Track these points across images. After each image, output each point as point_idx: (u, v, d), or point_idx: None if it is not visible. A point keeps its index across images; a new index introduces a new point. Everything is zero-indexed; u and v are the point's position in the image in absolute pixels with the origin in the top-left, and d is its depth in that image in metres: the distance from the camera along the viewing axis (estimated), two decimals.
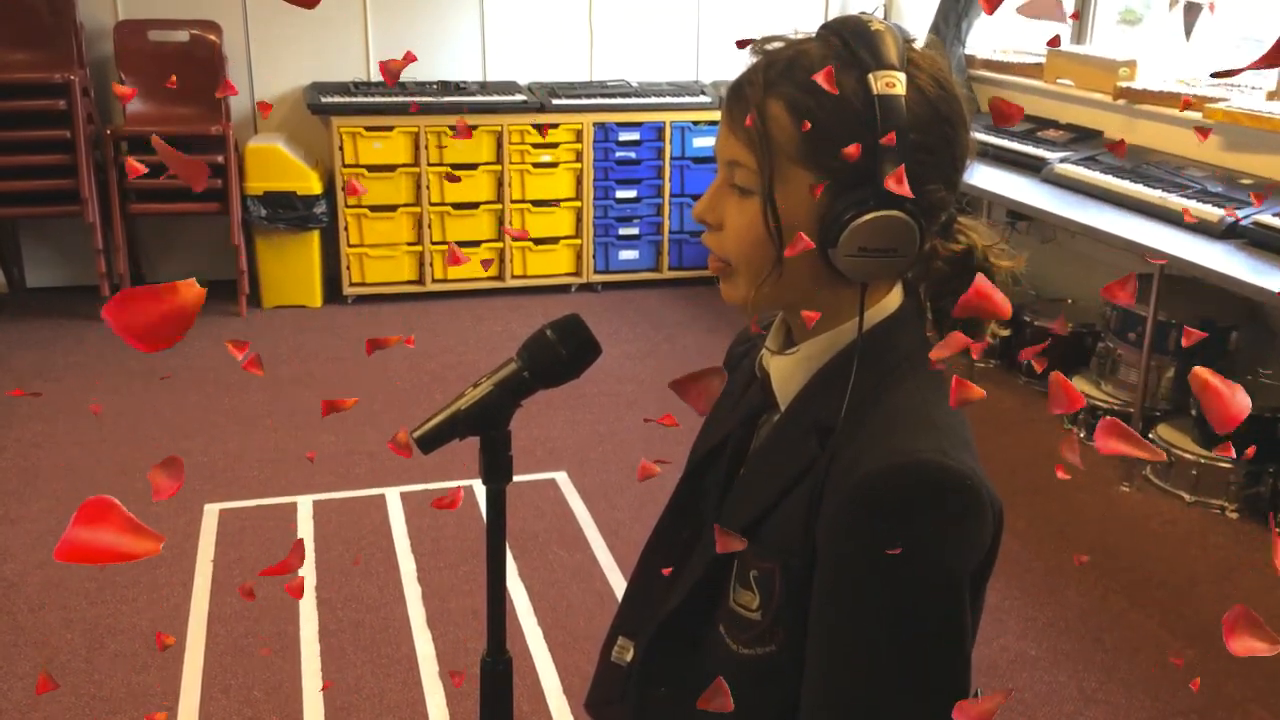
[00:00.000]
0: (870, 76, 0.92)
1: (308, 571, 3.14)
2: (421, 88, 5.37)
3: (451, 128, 5.25)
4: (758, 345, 1.11)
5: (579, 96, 5.46)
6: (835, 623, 0.93)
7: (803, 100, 0.93)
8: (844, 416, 0.95)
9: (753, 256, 0.98)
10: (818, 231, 0.95)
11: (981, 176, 4.34)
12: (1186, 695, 2.72)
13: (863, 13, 0.98)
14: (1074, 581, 3.18)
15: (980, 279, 0.72)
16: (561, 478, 3.72)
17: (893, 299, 1.01)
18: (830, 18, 1.00)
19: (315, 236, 5.26)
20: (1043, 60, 4.98)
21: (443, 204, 5.39)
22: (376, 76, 5.50)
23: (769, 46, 0.99)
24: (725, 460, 1.10)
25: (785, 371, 1.03)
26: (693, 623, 1.05)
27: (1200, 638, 2.93)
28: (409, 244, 5.42)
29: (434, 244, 5.44)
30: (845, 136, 0.92)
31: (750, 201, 0.97)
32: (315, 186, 5.13)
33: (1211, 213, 3.63)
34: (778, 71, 0.95)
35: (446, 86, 5.41)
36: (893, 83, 0.92)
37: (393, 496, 3.55)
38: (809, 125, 0.93)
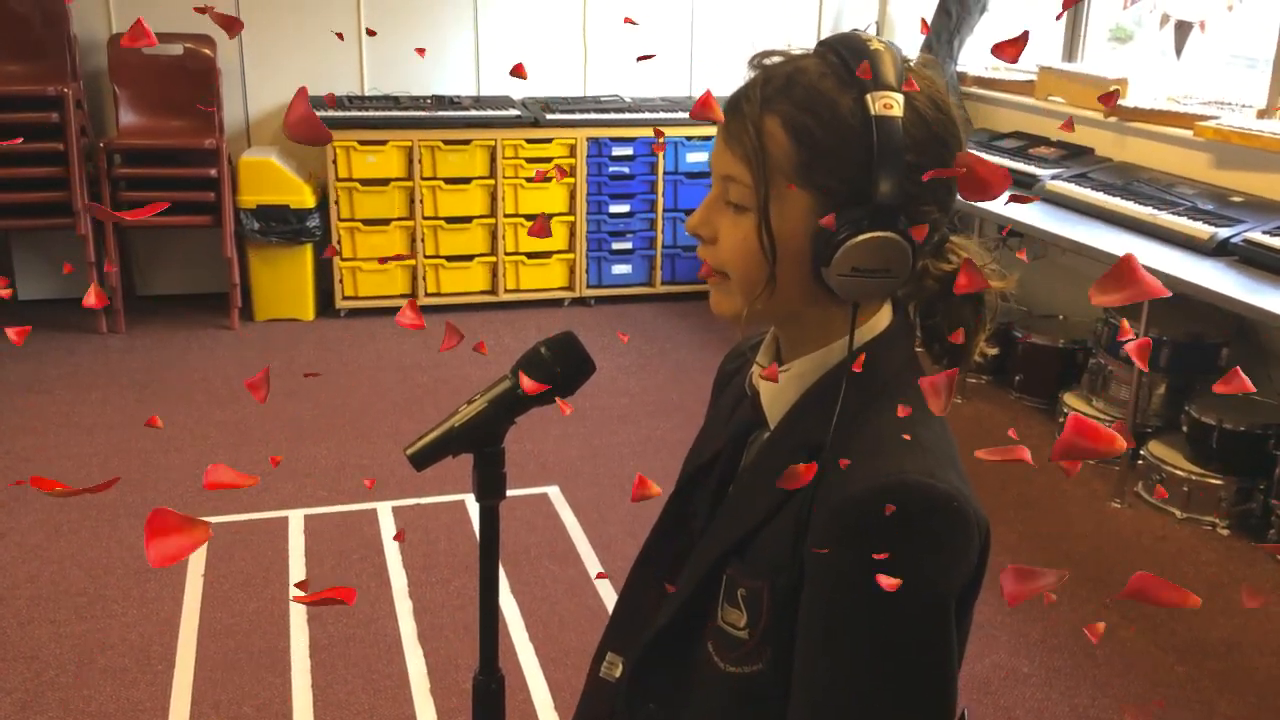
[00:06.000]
0: (868, 97, 0.92)
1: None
2: (415, 102, 5.38)
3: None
4: (749, 363, 1.10)
5: (573, 111, 5.47)
6: (821, 641, 0.93)
7: (800, 118, 0.93)
8: (832, 436, 0.94)
9: (746, 272, 0.97)
10: (811, 250, 0.95)
11: None
12: (1179, 712, 2.71)
13: (860, 30, 0.98)
14: (1066, 598, 3.18)
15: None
16: (554, 492, 3.71)
17: (882, 317, 1.01)
18: (823, 33, 1.00)
19: (308, 250, 5.25)
20: (1034, 78, 5.01)
21: (436, 218, 5.39)
22: (371, 90, 5.51)
23: (767, 61, 0.98)
24: (715, 478, 1.10)
25: (775, 390, 1.03)
26: (681, 640, 1.04)
27: (1191, 654, 2.93)
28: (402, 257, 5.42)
29: (427, 258, 5.44)
30: (842, 156, 0.92)
31: (745, 217, 0.97)
32: (309, 200, 5.13)
33: (1202, 230, 3.65)
34: (775, 88, 0.95)
35: (441, 101, 5.42)
36: (890, 104, 0.92)
37: (384, 511, 3.54)
38: (806, 144, 0.93)
